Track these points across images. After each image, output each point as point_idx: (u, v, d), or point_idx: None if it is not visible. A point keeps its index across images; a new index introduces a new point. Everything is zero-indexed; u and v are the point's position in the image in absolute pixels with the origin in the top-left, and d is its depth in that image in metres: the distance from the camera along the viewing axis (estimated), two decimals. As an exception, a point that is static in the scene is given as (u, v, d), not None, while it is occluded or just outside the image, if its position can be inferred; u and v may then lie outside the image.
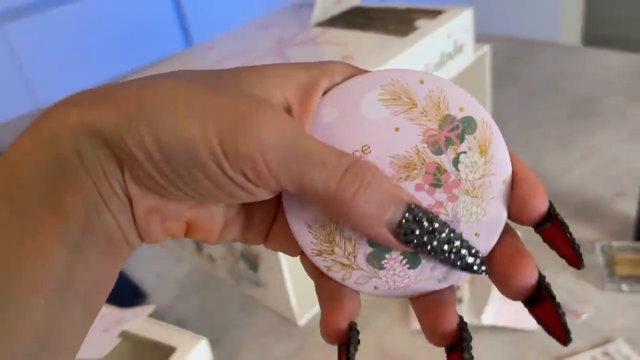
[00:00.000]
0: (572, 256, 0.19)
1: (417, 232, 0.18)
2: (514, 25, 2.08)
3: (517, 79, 0.94)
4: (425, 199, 0.19)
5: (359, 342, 0.19)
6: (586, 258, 0.56)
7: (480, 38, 1.02)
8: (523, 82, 0.93)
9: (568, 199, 0.65)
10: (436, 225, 0.18)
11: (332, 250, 0.20)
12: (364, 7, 0.67)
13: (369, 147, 0.19)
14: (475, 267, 0.19)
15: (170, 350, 0.45)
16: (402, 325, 0.52)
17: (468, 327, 0.20)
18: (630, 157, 0.68)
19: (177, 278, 0.64)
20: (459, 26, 0.60)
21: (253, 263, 0.55)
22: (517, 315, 0.51)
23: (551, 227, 0.19)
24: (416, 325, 0.52)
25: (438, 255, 0.19)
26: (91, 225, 0.18)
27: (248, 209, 0.22)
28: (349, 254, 0.20)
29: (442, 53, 0.59)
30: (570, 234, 0.19)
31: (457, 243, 0.19)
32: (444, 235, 0.18)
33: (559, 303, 0.19)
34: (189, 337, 0.46)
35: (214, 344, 0.53)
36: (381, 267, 0.20)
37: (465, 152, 0.19)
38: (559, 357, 0.47)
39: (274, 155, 0.18)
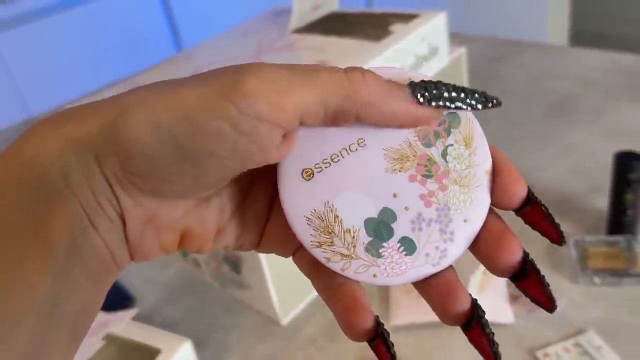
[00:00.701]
0: (553, 233, 0.20)
1: (433, 85, 0.20)
2: (501, 25, 2.10)
3: (498, 78, 0.95)
4: (418, 189, 0.20)
5: (387, 332, 0.21)
6: (561, 252, 0.58)
7: (466, 39, 1.04)
8: (504, 81, 0.94)
9: (545, 196, 0.66)
10: (437, 80, 0.20)
11: (332, 242, 0.21)
12: (341, 12, 0.69)
13: (363, 140, 0.20)
14: (490, 98, 0.20)
15: (155, 352, 0.47)
16: (384, 323, 0.54)
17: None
18: (605, 154, 0.69)
19: (163, 282, 0.65)
20: (432, 30, 0.61)
21: (236, 265, 0.56)
22: (494, 310, 0.52)
23: (531, 210, 0.20)
24: (395, 322, 0.53)
25: (460, 97, 0.20)
26: (77, 250, 0.18)
27: (241, 212, 0.22)
28: (349, 244, 0.20)
29: (416, 56, 0.60)
30: (550, 214, 0.20)
31: (462, 87, 0.20)
32: (449, 84, 0.20)
33: (544, 276, 0.20)
34: (173, 339, 0.47)
35: (200, 346, 0.54)
36: (379, 256, 0.21)
37: (452, 145, 0.20)
38: (533, 348, 0.49)
39: (281, 81, 0.17)
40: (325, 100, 0.18)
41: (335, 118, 0.19)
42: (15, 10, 1.70)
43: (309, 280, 0.23)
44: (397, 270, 0.21)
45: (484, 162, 0.21)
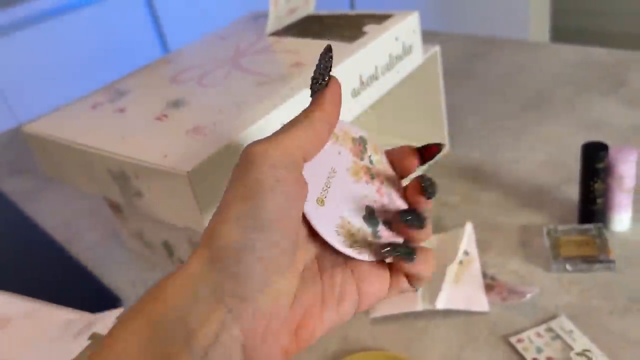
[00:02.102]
0: (433, 147, 0.31)
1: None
2: (484, 24, 2.12)
3: (476, 75, 0.97)
4: (374, 187, 0.30)
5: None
6: (535, 242, 0.59)
7: (447, 37, 1.05)
8: (482, 78, 0.96)
9: (519, 187, 0.68)
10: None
11: (355, 240, 0.29)
12: (317, 15, 0.70)
13: (334, 169, 0.29)
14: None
15: (141, 350, 0.48)
16: (363, 315, 0.55)
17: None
18: (577, 146, 0.71)
19: (151, 283, 0.67)
20: (405, 29, 0.63)
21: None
22: (470, 299, 0.54)
23: (425, 152, 0.31)
24: (375, 314, 0.55)
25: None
26: None
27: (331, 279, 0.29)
28: (364, 238, 0.29)
29: (390, 55, 0.62)
30: (425, 146, 0.31)
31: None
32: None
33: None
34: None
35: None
36: (379, 237, 0.30)
37: (370, 155, 0.31)
38: (507, 335, 0.50)
39: None
40: None
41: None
42: (1, 20, 1.70)
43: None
44: (391, 236, 0.31)
45: (385, 157, 0.33)
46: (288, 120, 0.28)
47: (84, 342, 0.45)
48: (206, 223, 0.47)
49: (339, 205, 0.28)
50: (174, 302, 0.23)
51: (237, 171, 0.25)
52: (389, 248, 0.28)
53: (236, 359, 0.23)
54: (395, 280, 0.30)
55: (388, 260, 0.30)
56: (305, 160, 0.27)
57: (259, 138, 0.27)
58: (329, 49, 0.29)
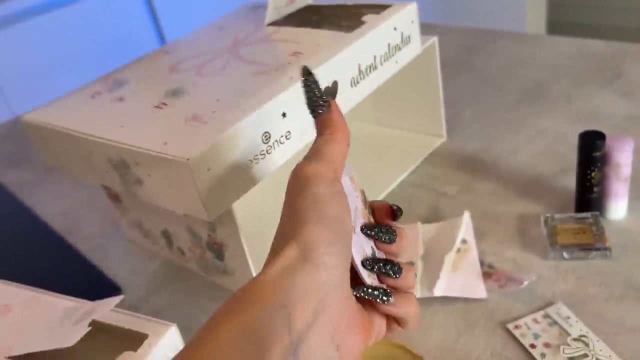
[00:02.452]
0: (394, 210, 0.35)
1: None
2: (482, 17, 2.12)
3: (473, 67, 0.98)
4: (368, 242, 0.33)
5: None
6: (532, 231, 0.60)
7: (445, 30, 1.05)
8: (479, 70, 0.96)
9: (517, 177, 0.68)
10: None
11: (370, 273, 0.31)
12: (315, 5, 0.71)
13: (357, 207, 0.33)
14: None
15: (142, 337, 0.48)
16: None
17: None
18: (574, 136, 0.71)
19: (150, 272, 0.67)
20: (404, 19, 0.63)
21: (219, 252, 0.58)
22: (468, 286, 0.54)
23: (390, 209, 0.35)
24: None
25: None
26: None
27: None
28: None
29: (389, 45, 0.62)
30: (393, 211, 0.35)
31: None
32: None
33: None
34: (159, 325, 0.48)
35: (185, 331, 0.55)
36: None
37: (367, 206, 0.35)
38: (504, 321, 0.51)
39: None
40: None
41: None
42: (-3, 13, 1.70)
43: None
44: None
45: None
46: (313, 142, 0.32)
47: (83, 330, 0.46)
48: (207, 209, 0.47)
49: (361, 238, 0.32)
50: (273, 287, 0.26)
51: (295, 190, 0.29)
52: (364, 288, 0.30)
53: (327, 345, 0.26)
54: (389, 320, 0.32)
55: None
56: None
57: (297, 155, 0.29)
58: (307, 71, 0.32)
